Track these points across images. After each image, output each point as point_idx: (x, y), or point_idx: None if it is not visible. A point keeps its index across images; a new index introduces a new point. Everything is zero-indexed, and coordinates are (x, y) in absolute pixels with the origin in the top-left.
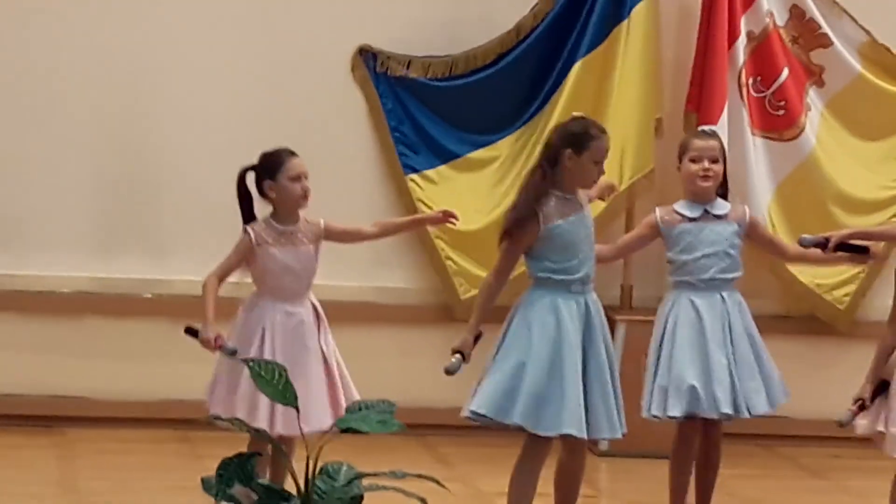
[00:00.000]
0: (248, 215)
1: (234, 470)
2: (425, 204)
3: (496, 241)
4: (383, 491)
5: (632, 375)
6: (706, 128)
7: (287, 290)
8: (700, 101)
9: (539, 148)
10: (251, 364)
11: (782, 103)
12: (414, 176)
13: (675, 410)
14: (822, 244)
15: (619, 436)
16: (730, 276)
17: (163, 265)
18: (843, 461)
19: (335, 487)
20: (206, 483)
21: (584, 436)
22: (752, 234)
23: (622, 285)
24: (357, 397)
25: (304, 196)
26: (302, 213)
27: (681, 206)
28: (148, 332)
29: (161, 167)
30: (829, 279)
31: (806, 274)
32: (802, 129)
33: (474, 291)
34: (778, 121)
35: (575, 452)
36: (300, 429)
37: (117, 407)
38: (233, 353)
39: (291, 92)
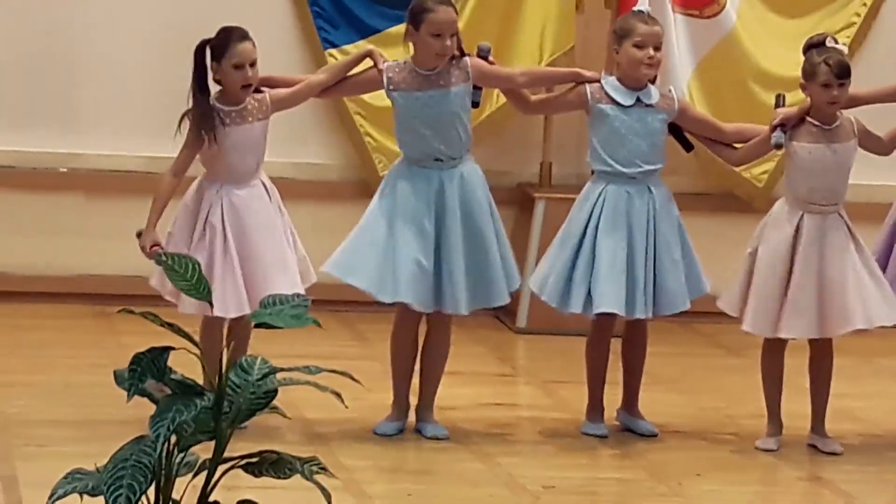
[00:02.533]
0: (198, 92)
1: (147, 364)
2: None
3: None
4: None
5: None
6: (643, 10)
7: (236, 171)
8: None
9: None
10: (163, 257)
11: None
12: (333, 51)
13: (601, 307)
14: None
15: (496, 303)
16: (655, 167)
17: (78, 139)
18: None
19: (249, 382)
20: (118, 377)
21: (422, 309)
22: (682, 119)
23: (541, 163)
24: (314, 279)
25: (245, 85)
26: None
27: (612, 89)
28: (62, 206)
29: (76, 41)
30: None
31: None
32: (723, 7)
33: None
34: None
35: (433, 326)
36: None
37: (31, 282)
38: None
39: None
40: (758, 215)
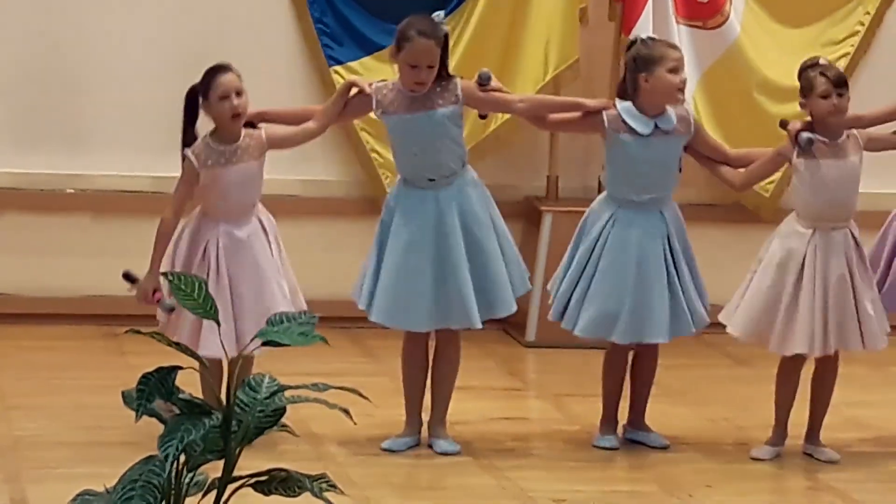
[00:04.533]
0: (187, 136)
1: (155, 384)
2: None
3: None
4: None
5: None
6: (651, 35)
7: (232, 210)
8: None
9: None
10: (170, 277)
11: None
12: (338, 68)
13: (614, 336)
14: None
15: (502, 313)
16: (668, 192)
17: (84, 160)
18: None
19: (257, 400)
20: (126, 397)
21: (423, 329)
22: (695, 141)
23: (548, 176)
24: (304, 307)
25: (234, 115)
26: (244, 128)
27: (630, 118)
28: (69, 227)
29: (83, 60)
30: None
31: None
32: (727, 17)
33: None
34: (702, 8)
35: (442, 342)
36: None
37: (40, 303)
38: (171, 309)
39: None
40: (765, 225)
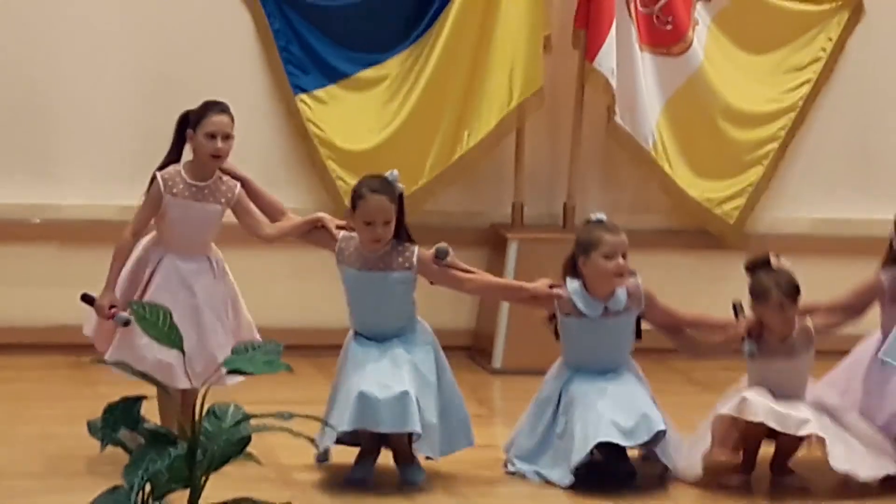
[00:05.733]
0: (169, 158)
1: (121, 414)
2: (315, 124)
3: (387, 160)
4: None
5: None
6: (601, 216)
7: (181, 244)
8: (588, 18)
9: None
10: (135, 306)
11: (670, 18)
12: (303, 96)
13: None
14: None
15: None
16: (622, 361)
17: (52, 190)
18: (733, 374)
19: (222, 429)
20: (91, 427)
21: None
22: (648, 311)
23: (513, 203)
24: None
25: (214, 155)
26: (218, 171)
27: (579, 299)
28: (37, 257)
29: (51, 91)
30: (718, 193)
31: (695, 188)
32: (690, 44)
33: None
34: (666, 36)
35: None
36: (189, 380)
37: (7, 333)
38: (126, 322)
39: (180, 13)
40: (729, 252)
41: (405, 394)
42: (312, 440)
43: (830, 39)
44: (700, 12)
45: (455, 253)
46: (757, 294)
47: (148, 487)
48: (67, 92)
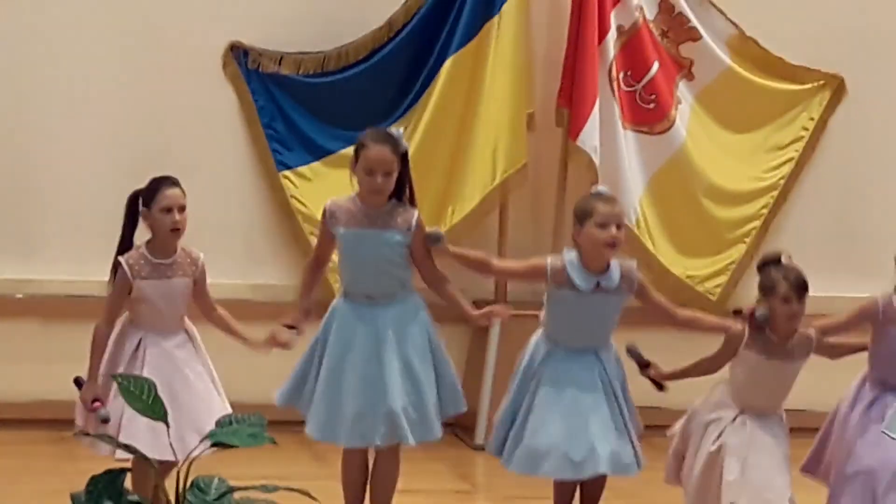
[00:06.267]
0: (125, 241)
1: (105, 486)
2: (299, 201)
3: None
4: None
5: (506, 369)
6: (602, 189)
7: (158, 323)
8: (571, 96)
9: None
10: (119, 379)
11: (653, 97)
12: (287, 173)
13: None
14: (643, 365)
15: (427, 439)
16: (605, 342)
17: (34, 265)
18: None
19: (206, 502)
20: (75, 499)
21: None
22: (639, 297)
23: (496, 280)
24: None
25: (174, 229)
26: (180, 244)
27: (574, 271)
28: (19, 332)
29: (33, 166)
30: (700, 271)
31: (678, 266)
32: (673, 123)
33: None
34: (649, 114)
35: (381, 455)
36: (173, 454)
37: None
38: (105, 420)
39: (163, 89)
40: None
41: (392, 412)
42: None
43: (812, 119)
44: (683, 91)
45: (437, 328)
46: (765, 288)
47: None
48: (50, 167)
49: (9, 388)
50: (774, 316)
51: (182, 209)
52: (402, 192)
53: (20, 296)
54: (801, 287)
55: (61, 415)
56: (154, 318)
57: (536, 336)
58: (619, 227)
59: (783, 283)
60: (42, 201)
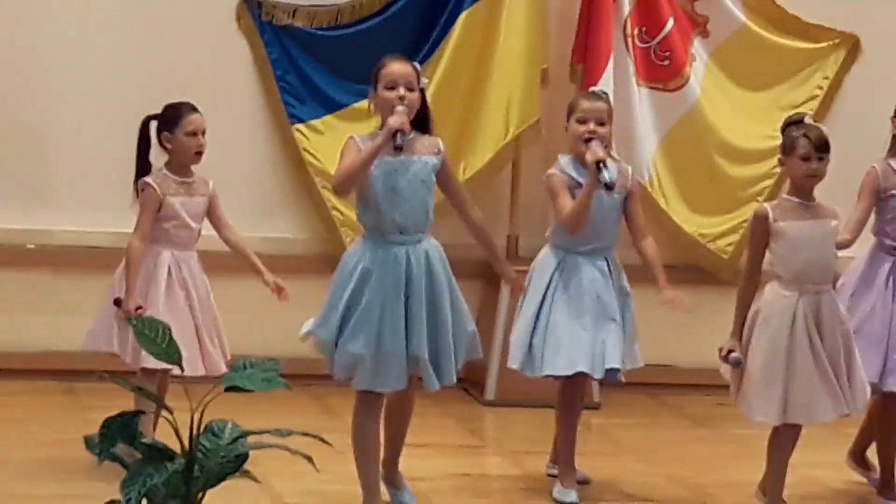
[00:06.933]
0: (143, 163)
1: (118, 428)
2: (311, 154)
3: None
4: (269, 449)
5: None
6: (596, 89)
7: (182, 239)
8: (585, 52)
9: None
10: (134, 322)
11: (667, 53)
12: (300, 126)
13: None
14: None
15: (444, 384)
16: (610, 243)
17: (44, 216)
18: (726, 409)
19: (220, 446)
20: (88, 441)
21: (377, 389)
22: (627, 200)
23: (508, 235)
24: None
25: (198, 152)
26: (195, 167)
27: (569, 167)
28: (30, 282)
29: (43, 116)
30: (713, 229)
31: (690, 224)
32: (687, 80)
33: None
34: (663, 71)
35: (396, 398)
36: (204, 368)
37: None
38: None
39: (176, 42)
40: (723, 287)
41: (418, 358)
42: (310, 458)
43: (827, 78)
44: (697, 48)
45: None
46: (785, 146)
47: (145, 502)
48: (62, 119)
49: (19, 338)
50: (794, 176)
51: (204, 133)
52: (424, 124)
53: (31, 246)
54: (821, 146)
55: (71, 365)
56: (179, 235)
57: (543, 251)
58: (600, 123)
59: (802, 141)
60: (54, 153)
